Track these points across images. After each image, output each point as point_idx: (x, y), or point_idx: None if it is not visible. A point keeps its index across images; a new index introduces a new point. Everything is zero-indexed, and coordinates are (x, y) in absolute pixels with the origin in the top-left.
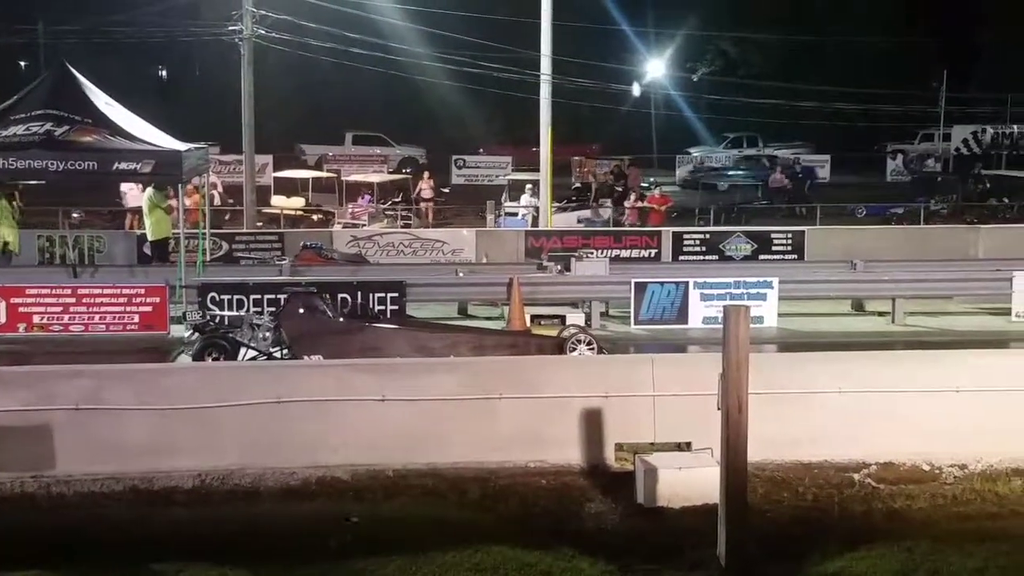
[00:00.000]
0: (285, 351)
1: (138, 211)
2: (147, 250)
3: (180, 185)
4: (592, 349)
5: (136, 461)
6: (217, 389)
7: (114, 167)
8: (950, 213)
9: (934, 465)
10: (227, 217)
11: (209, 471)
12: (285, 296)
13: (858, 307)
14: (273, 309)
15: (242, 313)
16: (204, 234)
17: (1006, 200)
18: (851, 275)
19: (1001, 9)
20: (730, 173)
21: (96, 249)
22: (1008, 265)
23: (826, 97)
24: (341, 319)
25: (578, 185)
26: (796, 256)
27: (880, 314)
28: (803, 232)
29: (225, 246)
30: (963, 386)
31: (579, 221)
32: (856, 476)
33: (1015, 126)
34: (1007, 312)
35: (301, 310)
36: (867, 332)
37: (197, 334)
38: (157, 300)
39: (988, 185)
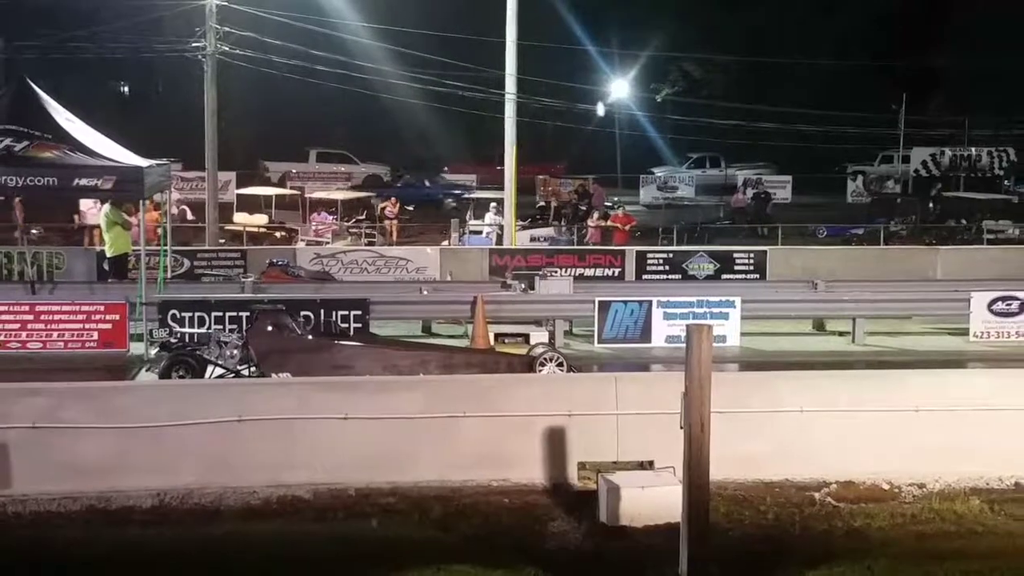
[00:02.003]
0: (253, 369)
1: (98, 228)
2: (106, 266)
3: (142, 201)
4: (561, 367)
5: (94, 480)
6: (177, 407)
7: (74, 183)
8: (909, 234)
9: (893, 484)
10: (188, 234)
11: (168, 490)
12: (251, 313)
13: (819, 326)
14: (235, 327)
15: (207, 330)
16: (165, 251)
17: (963, 222)
18: (812, 295)
19: (959, 34)
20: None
21: (55, 266)
22: (966, 286)
23: (788, 118)
24: (310, 336)
25: (542, 204)
26: (758, 276)
27: (841, 334)
28: (765, 252)
29: (187, 263)
30: (922, 406)
31: (532, 240)
32: (817, 495)
33: (973, 149)
34: (965, 332)
35: (269, 327)
36: (828, 351)
37: (163, 352)
38: (116, 317)
39: (939, 208)
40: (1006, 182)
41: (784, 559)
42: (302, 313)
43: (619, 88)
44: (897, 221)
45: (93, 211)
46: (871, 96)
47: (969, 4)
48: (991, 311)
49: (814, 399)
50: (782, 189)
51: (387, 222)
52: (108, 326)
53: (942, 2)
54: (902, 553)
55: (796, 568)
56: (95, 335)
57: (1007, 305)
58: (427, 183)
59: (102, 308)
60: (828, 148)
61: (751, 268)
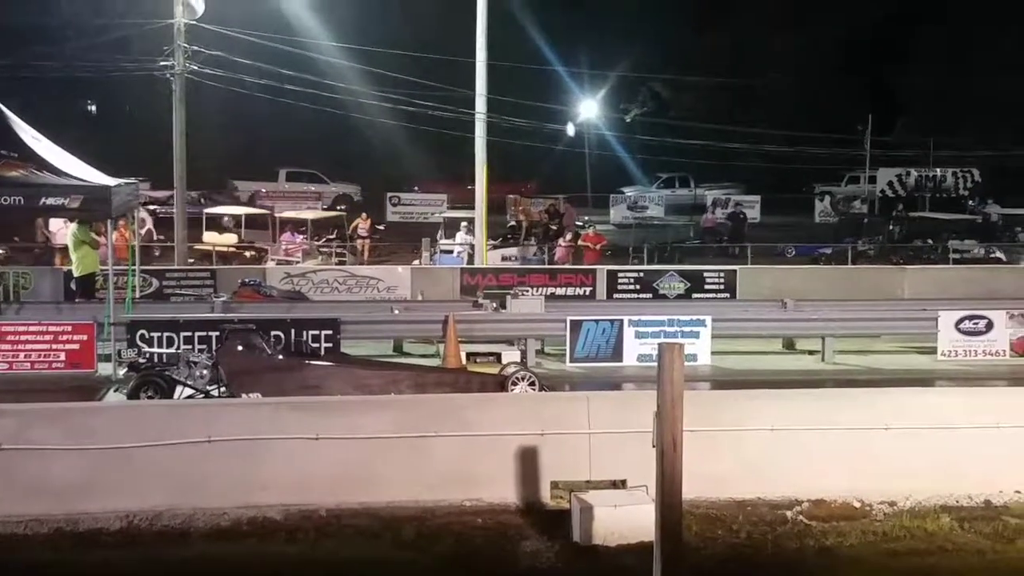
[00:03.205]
0: (223, 389)
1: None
2: (73, 286)
3: (109, 221)
4: (533, 387)
5: (62, 502)
6: (145, 428)
7: (41, 202)
8: (877, 254)
9: (864, 502)
10: (157, 254)
11: (137, 512)
12: (221, 333)
13: (789, 345)
14: (204, 346)
15: (176, 350)
16: (133, 270)
17: (930, 241)
18: (782, 314)
19: (924, 57)
20: None
21: (22, 286)
22: (933, 305)
23: (756, 139)
24: (280, 356)
25: (513, 223)
26: (728, 295)
27: (810, 352)
28: (735, 271)
29: (155, 283)
30: (891, 424)
31: (503, 259)
32: (788, 513)
33: (938, 169)
34: (933, 351)
35: (239, 347)
36: (798, 370)
37: (132, 372)
38: (84, 337)
39: (903, 229)
40: (971, 202)
41: None
42: (272, 333)
43: (589, 108)
44: (864, 241)
45: (63, 231)
46: (838, 117)
47: (935, 27)
48: (959, 330)
49: (785, 417)
50: (751, 209)
51: (359, 241)
52: (76, 346)
53: (908, 25)
54: (873, 571)
55: None
56: (62, 356)
57: (974, 324)
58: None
59: (70, 328)
60: (796, 168)
61: (721, 287)
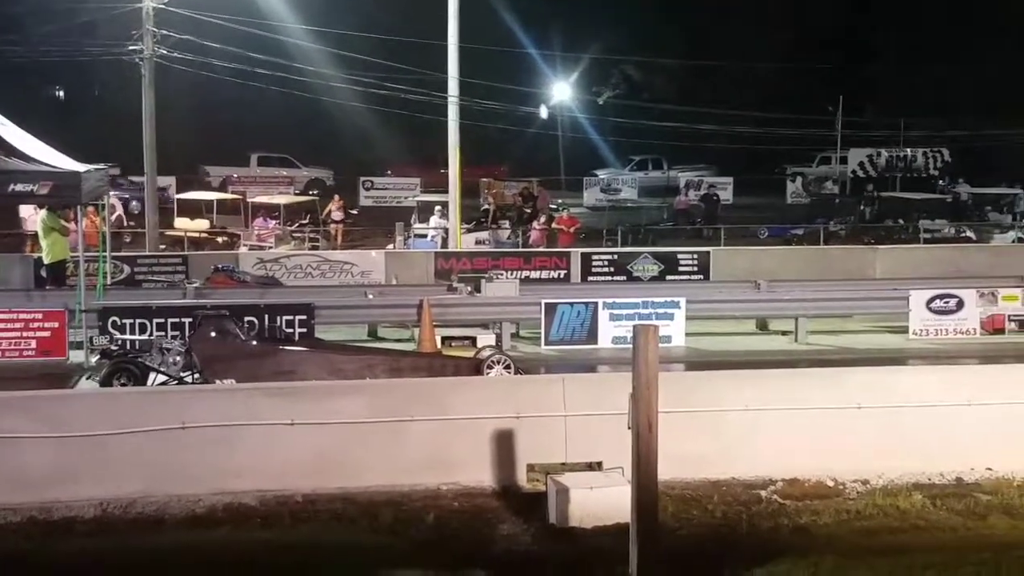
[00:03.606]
0: (196, 375)
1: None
2: (43, 273)
3: (79, 207)
4: (509, 370)
5: (34, 491)
6: (118, 415)
7: (9, 189)
8: (848, 234)
9: (838, 481)
10: (128, 240)
11: (111, 500)
12: (194, 319)
13: (762, 326)
14: (177, 333)
15: (149, 337)
16: (104, 257)
17: (900, 221)
18: (755, 295)
19: (893, 38)
20: None
21: None
22: (905, 284)
23: (727, 121)
24: (254, 342)
25: (486, 207)
26: (702, 276)
27: (783, 333)
28: (708, 253)
29: (127, 269)
30: (864, 403)
31: (476, 243)
32: (763, 493)
33: (908, 150)
34: (904, 330)
35: (213, 333)
36: (771, 351)
37: (104, 359)
38: (55, 325)
39: (877, 207)
40: (941, 182)
41: (732, 557)
42: (246, 318)
43: (561, 91)
44: (836, 221)
45: (34, 218)
46: (809, 98)
47: (904, 8)
48: (929, 309)
49: (758, 398)
50: (723, 191)
51: (333, 226)
52: (47, 334)
53: (878, 6)
54: (847, 549)
55: (744, 566)
56: (33, 344)
57: (945, 303)
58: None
59: (40, 316)
60: (767, 150)
61: (695, 269)
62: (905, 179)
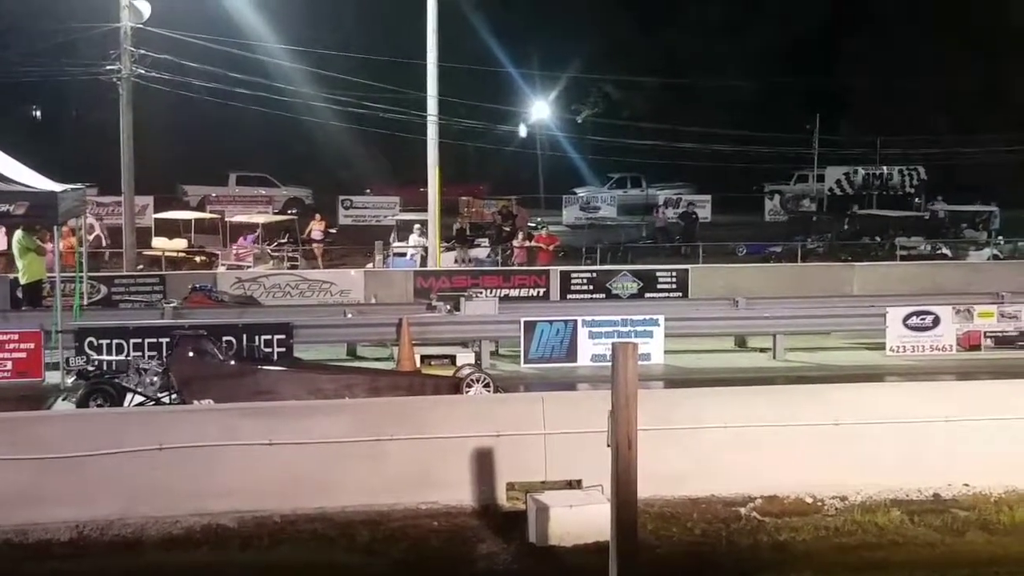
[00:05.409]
0: (174, 396)
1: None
2: (19, 294)
3: (56, 227)
4: (488, 388)
5: (10, 513)
6: (95, 436)
7: None
8: (826, 251)
9: (816, 497)
10: (106, 259)
11: (88, 521)
12: (172, 339)
13: (741, 343)
14: (155, 353)
15: (126, 357)
16: (81, 277)
17: (877, 238)
18: (734, 312)
19: (869, 57)
20: None
21: None
22: (882, 301)
23: (706, 139)
24: (232, 362)
25: (458, 225)
26: (681, 294)
27: (761, 350)
28: (687, 270)
29: (104, 289)
30: (842, 419)
31: (455, 261)
32: (742, 510)
33: (884, 167)
34: (882, 347)
35: (190, 353)
36: (749, 368)
37: (81, 380)
38: (31, 346)
39: (858, 226)
40: (917, 199)
41: (711, 574)
42: (224, 338)
43: (540, 109)
44: (814, 238)
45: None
46: (786, 116)
47: (879, 28)
48: (906, 326)
49: (737, 415)
50: (702, 208)
51: (313, 245)
52: (23, 355)
53: (853, 25)
54: (826, 565)
55: None
56: (9, 364)
57: (921, 320)
58: None
59: (16, 337)
60: (745, 168)
61: (674, 286)
62: (882, 197)
